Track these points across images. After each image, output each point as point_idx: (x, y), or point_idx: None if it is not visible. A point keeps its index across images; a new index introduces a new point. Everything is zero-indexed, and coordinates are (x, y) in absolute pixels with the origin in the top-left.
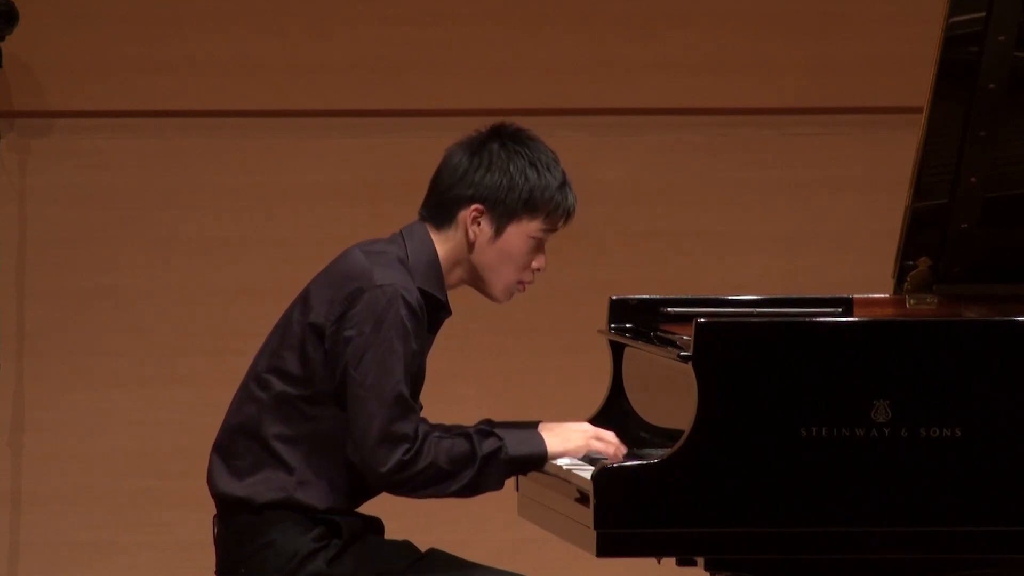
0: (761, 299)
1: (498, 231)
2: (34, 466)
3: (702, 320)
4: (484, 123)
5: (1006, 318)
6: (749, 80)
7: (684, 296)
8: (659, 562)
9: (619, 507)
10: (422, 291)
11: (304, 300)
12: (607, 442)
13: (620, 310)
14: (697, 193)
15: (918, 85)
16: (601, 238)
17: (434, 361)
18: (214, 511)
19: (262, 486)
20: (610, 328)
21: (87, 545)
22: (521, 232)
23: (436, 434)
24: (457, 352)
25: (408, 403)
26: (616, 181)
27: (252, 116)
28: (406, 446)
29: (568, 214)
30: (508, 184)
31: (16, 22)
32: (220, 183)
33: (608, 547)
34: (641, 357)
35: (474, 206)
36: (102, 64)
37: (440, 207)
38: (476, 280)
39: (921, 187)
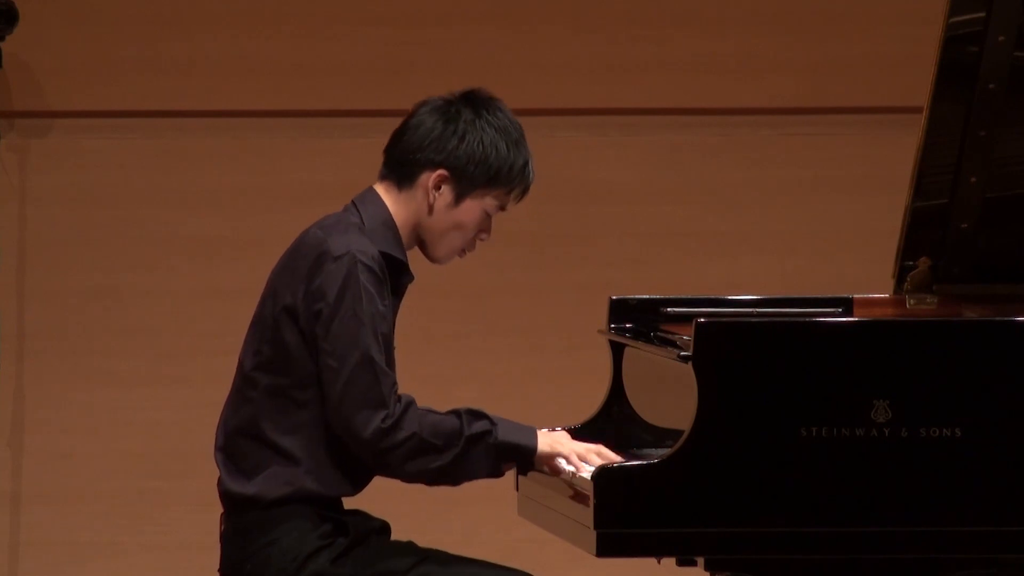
0: (761, 299)
1: (457, 200)
2: (34, 466)
3: (702, 320)
4: None
5: (1006, 318)
6: (749, 80)
7: (684, 296)
8: (659, 562)
9: (619, 507)
10: (382, 253)
11: (271, 291)
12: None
13: (620, 310)
14: (697, 193)
15: (918, 85)
16: (601, 238)
17: (434, 363)
18: (214, 511)
19: (271, 483)
20: (610, 328)
21: (87, 545)
22: (477, 204)
23: (423, 408)
24: (456, 354)
25: (378, 366)
26: (616, 181)
27: (252, 116)
28: (384, 411)
29: (525, 193)
30: (478, 157)
31: (16, 22)
32: (220, 183)
33: (608, 547)
34: (641, 357)
35: (438, 171)
36: (102, 64)
37: (404, 166)
38: (422, 241)
39: (921, 187)
